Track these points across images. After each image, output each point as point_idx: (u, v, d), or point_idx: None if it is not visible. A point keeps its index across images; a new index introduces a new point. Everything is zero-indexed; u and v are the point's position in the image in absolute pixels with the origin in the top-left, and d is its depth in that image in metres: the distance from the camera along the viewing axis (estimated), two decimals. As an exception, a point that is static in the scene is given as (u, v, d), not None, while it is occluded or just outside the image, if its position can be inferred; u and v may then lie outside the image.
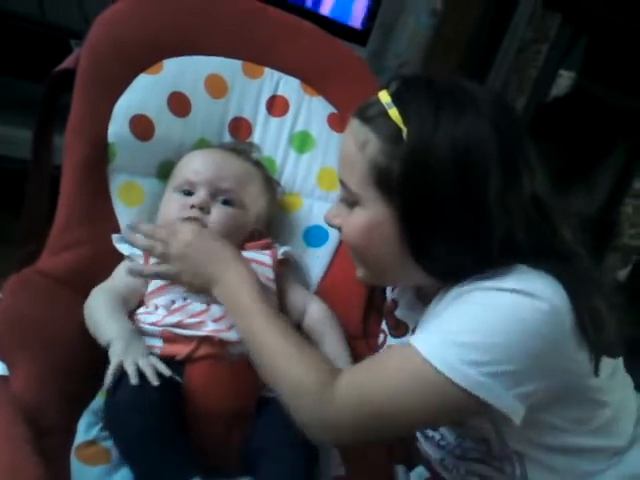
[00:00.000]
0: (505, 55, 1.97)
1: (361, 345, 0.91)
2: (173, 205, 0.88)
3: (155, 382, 0.68)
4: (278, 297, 0.89)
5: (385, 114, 0.66)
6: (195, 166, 0.89)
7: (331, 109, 1.04)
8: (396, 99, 0.66)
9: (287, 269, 0.93)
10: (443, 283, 0.69)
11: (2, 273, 0.81)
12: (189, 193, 0.88)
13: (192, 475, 0.66)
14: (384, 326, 0.90)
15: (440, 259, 0.66)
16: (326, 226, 0.99)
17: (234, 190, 0.89)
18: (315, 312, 0.90)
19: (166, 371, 0.71)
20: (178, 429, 0.70)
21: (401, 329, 0.82)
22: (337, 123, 1.04)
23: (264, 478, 0.70)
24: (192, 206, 0.86)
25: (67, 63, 0.91)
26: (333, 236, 1.01)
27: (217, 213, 0.87)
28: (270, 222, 0.96)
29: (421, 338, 0.64)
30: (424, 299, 0.77)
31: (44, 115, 0.91)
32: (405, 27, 1.76)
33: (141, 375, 0.69)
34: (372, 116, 0.67)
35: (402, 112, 0.65)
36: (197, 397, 0.73)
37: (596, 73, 2.03)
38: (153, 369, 0.70)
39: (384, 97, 0.67)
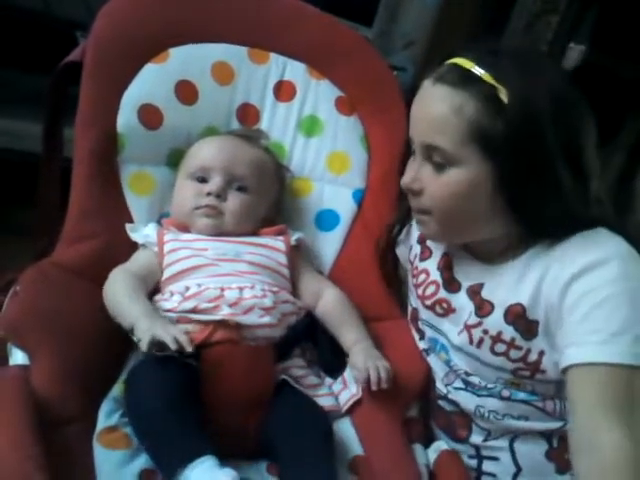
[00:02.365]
0: (514, 31, 1.94)
1: (376, 327, 0.92)
2: (187, 192, 0.88)
3: (189, 348, 0.68)
4: (291, 283, 0.89)
5: (478, 79, 0.70)
6: (210, 153, 0.90)
7: (338, 92, 1.04)
8: (480, 64, 0.71)
9: (300, 255, 0.93)
10: (528, 236, 0.75)
11: (17, 266, 0.82)
12: (203, 180, 0.88)
13: (206, 451, 0.65)
14: (412, 302, 0.92)
15: (534, 209, 0.72)
16: (337, 210, 1.01)
17: (248, 176, 0.89)
18: (330, 298, 0.90)
19: (188, 344, 0.70)
20: (193, 408, 0.70)
21: (455, 285, 0.85)
22: (345, 106, 1.03)
23: (284, 460, 0.70)
24: (208, 193, 0.86)
25: (74, 56, 0.91)
26: (344, 219, 1.01)
27: (233, 200, 0.87)
28: (280, 208, 0.96)
29: (605, 352, 0.66)
30: (483, 256, 0.82)
31: (52, 108, 0.91)
32: (411, 6, 1.73)
33: (160, 359, 0.69)
34: (463, 81, 0.71)
35: (492, 75, 0.69)
36: (214, 382, 0.74)
37: (607, 45, 1.99)
38: (183, 338, 0.70)
39: (466, 63, 0.71)
